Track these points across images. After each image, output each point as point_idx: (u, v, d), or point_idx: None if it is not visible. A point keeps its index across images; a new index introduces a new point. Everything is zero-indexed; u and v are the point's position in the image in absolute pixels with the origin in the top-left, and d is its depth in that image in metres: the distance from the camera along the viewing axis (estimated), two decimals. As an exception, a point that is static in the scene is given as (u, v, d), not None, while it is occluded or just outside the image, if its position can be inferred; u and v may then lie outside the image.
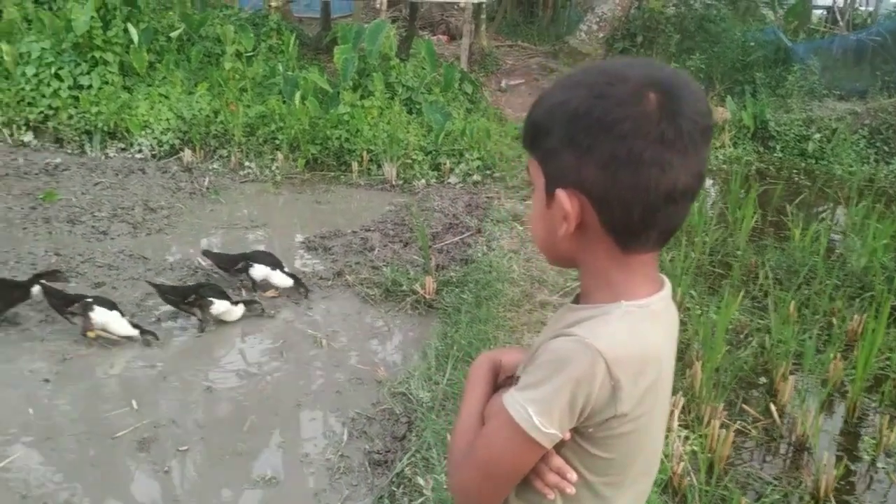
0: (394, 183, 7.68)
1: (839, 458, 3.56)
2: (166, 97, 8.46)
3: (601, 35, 12.14)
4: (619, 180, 1.08)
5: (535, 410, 1.10)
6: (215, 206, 6.89)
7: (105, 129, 8.18)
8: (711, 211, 6.85)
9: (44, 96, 8.29)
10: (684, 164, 1.08)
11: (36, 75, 8.28)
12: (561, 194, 1.13)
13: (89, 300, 4.36)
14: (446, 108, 8.53)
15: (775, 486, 3.42)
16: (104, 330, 4.32)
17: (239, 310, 4.66)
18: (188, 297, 4.63)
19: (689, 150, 1.08)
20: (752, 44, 11.95)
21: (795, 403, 4.06)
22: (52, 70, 8.29)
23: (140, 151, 8.06)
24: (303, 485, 3.31)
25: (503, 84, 11.21)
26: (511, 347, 1.40)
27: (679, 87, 1.09)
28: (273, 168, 7.83)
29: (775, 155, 9.99)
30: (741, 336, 4.85)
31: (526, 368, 1.18)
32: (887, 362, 4.53)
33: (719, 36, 12.04)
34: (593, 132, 1.08)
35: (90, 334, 4.31)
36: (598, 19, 12.17)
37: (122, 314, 4.37)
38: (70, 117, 8.23)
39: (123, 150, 8.13)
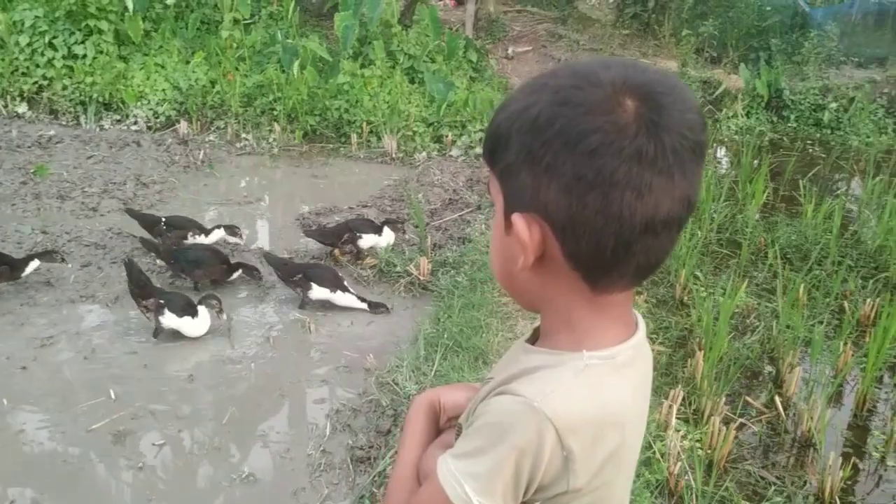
0: (394, 156, 7.47)
1: (846, 456, 3.39)
2: (162, 67, 8.25)
3: (612, 0, 11.78)
4: (585, 205, 0.88)
5: (474, 488, 0.92)
6: (209, 181, 6.72)
7: (100, 100, 7.98)
8: (720, 185, 6.60)
9: (38, 66, 8.09)
10: (667, 187, 0.88)
11: (29, 44, 8.06)
12: (518, 220, 0.94)
13: (161, 302, 4.11)
14: (449, 77, 8.27)
15: (778, 486, 3.25)
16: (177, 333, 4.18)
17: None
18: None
19: (675, 170, 0.87)
20: (769, 8, 11.55)
21: (802, 395, 3.88)
22: (46, 39, 8.07)
23: (136, 123, 7.87)
24: (281, 483, 3.17)
25: (510, 51, 10.90)
26: (454, 385, 1.22)
27: (663, 93, 0.89)
28: (270, 140, 7.63)
29: (789, 125, 9.69)
30: (747, 321, 4.65)
31: (466, 426, 1.00)
32: (900, 349, 4.33)
33: (734, 0, 11.64)
34: (555, 147, 0.89)
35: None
36: (609, -17, 11.82)
37: (195, 315, 4.15)
38: (65, 88, 8.04)
39: (119, 121, 7.95)
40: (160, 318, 4.08)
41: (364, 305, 4.49)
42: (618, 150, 0.86)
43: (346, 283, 4.55)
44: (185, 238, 5.01)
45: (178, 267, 4.74)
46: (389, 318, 4.51)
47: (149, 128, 7.85)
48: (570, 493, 0.93)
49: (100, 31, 8.19)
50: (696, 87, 9.71)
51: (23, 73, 8.10)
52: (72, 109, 8.00)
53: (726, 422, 3.47)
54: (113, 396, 3.66)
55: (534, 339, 1.06)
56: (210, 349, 4.14)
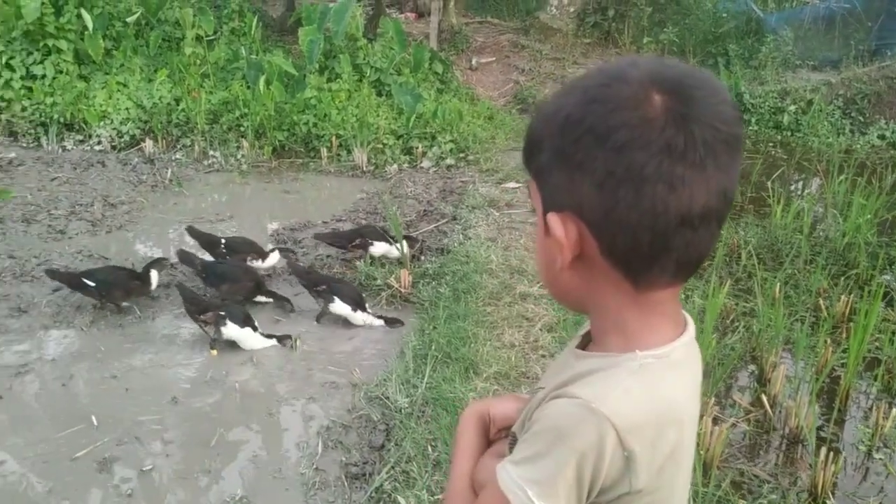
0: (365, 169, 7.44)
1: (835, 451, 3.43)
2: (125, 85, 8.12)
3: (572, 9, 11.92)
4: (618, 201, 0.88)
5: (537, 493, 0.91)
6: (179, 199, 6.61)
7: (61, 120, 7.83)
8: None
9: (-5, 87, 7.90)
10: (701, 179, 0.87)
11: (-14, 65, 7.89)
12: (553, 219, 0.94)
13: (222, 314, 4.12)
14: (417, 89, 8.28)
15: (772, 484, 3.28)
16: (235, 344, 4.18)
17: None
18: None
19: (708, 162, 0.87)
20: (724, 14, 11.78)
21: (787, 392, 3.93)
22: (3, 60, 7.90)
23: (99, 143, 7.73)
24: (276, 503, 3.11)
25: (474, 62, 10.95)
26: (503, 396, 1.21)
27: (693, 86, 0.89)
28: (239, 157, 7.55)
29: (751, 128, 9.86)
30: (727, 321, 4.71)
31: (523, 432, 0.99)
32: (876, 344, 4.41)
33: (691, 7, 11.86)
34: (585, 144, 0.89)
35: (213, 353, 4.15)
36: (568, -7, 11.95)
37: (255, 328, 4.18)
38: (24, 109, 7.87)
39: (81, 142, 7.79)
40: (222, 328, 4.08)
41: (381, 322, 4.46)
42: (646, 144, 0.86)
43: (366, 303, 4.53)
44: (244, 261, 4.92)
45: (209, 281, 4.70)
46: (373, 332, 4.47)
47: (113, 147, 7.72)
48: (632, 494, 0.92)
49: (59, 51, 8.04)
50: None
51: (-21, 95, 7.91)
52: (32, 131, 7.83)
53: (716, 422, 3.49)
54: (95, 423, 3.56)
55: (583, 345, 1.06)
56: (192, 370, 4.06)
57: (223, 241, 5.11)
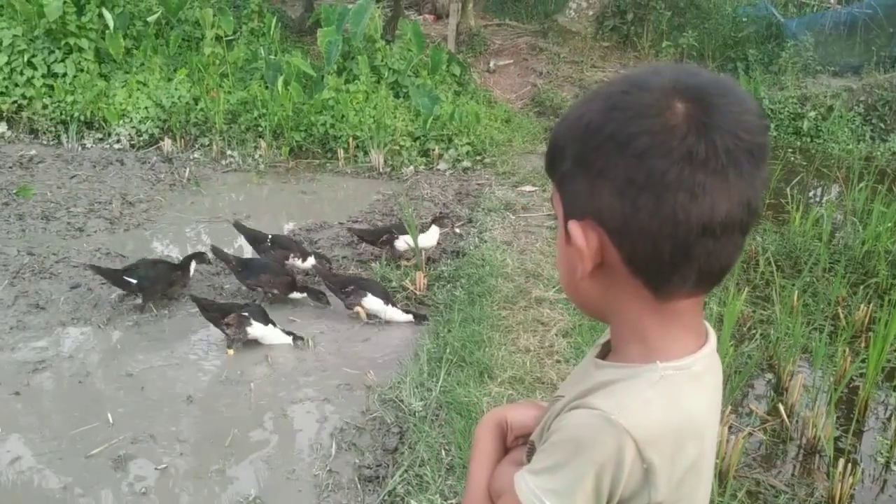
0: (381, 170, 7.44)
1: (853, 463, 3.39)
2: (144, 84, 8.16)
3: (591, 13, 11.85)
4: (639, 209, 0.88)
5: None
6: (196, 198, 6.65)
7: (81, 118, 7.88)
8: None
9: (17, 85, 7.95)
10: (723, 188, 0.87)
11: (8, 63, 7.94)
12: (574, 227, 0.94)
13: (245, 314, 4.16)
14: (434, 91, 8.27)
15: (789, 495, 3.25)
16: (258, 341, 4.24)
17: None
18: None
19: (730, 171, 0.86)
20: (744, 19, 11.70)
21: (804, 402, 3.89)
22: (25, 58, 7.95)
23: (118, 141, 7.78)
24: (289, 504, 3.12)
25: (492, 65, 10.93)
26: (520, 403, 1.20)
27: (716, 94, 0.88)
28: (256, 156, 7.57)
29: (770, 134, 9.78)
30: (745, 329, 4.67)
31: (542, 442, 0.98)
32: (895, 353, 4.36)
33: (710, 12, 11.78)
34: (606, 151, 0.89)
35: (230, 352, 4.19)
36: (587, -4, 11.89)
37: (275, 324, 4.23)
38: (45, 107, 7.92)
39: (101, 140, 7.85)
40: (248, 328, 4.12)
41: (409, 318, 4.49)
42: (667, 152, 0.86)
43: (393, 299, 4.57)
44: (287, 258, 4.99)
45: (246, 276, 4.74)
46: (388, 334, 4.47)
47: (132, 146, 7.76)
48: None
49: (80, 50, 8.09)
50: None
51: (1, 93, 7.97)
52: (52, 129, 7.88)
53: (733, 431, 3.46)
54: (111, 421, 3.58)
55: (603, 354, 1.05)
56: (207, 369, 4.07)
57: (270, 236, 5.16)
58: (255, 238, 5.20)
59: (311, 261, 5.01)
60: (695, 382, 0.96)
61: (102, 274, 4.65)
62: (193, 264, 4.78)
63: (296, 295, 4.73)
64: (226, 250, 5.05)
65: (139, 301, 4.61)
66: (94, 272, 4.69)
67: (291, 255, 5.00)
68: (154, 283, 4.57)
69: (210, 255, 5.02)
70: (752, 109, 0.90)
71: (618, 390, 0.94)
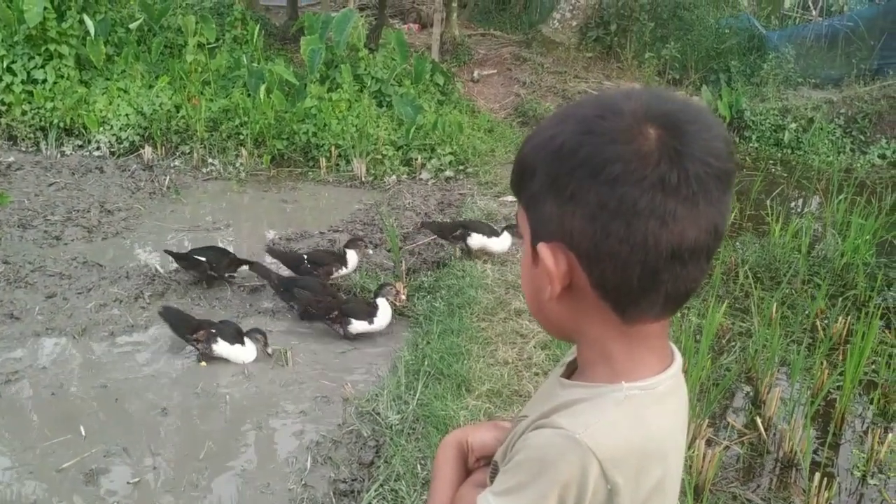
0: (363, 179, 7.42)
1: (829, 476, 3.40)
2: (125, 91, 8.11)
3: (574, 24, 11.90)
4: (609, 234, 0.88)
5: None
6: (176, 207, 6.60)
7: (61, 125, 7.81)
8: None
9: (-5, 91, 7.89)
10: (692, 215, 0.87)
11: (-13, 69, 7.88)
12: (543, 249, 0.93)
13: (213, 331, 4.14)
14: (417, 100, 8.27)
15: (764, 509, 3.25)
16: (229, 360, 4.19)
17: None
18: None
19: (699, 198, 0.87)
20: (727, 31, 11.78)
21: (782, 415, 3.90)
22: (4, 64, 7.88)
23: (98, 149, 7.71)
24: (263, 519, 3.08)
25: (475, 74, 10.95)
26: (481, 424, 1.19)
27: (687, 121, 0.89)
28: (237, 165, 7.53)
29: (751, 145, 9.85)
30: (723, 341, 4.68)
31: (505, 462, 0.97)
32: (873, 367, 4.38)
33: (693, 23, 11.85)
34: (579, 175, 0.89)
35: (202, 364, 4.16)
36: (571, 7, 11.93)
37: (243, 342, 4.17)
38: (24, 113, 7.84)
39: (80, 147, 7.78)
40: (213, 345, 4.09)
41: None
42: (640, 179, 0.86)
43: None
44: (332, 273, 4.97)
45: (288, 296, 4.71)
46: (366, 345, 4.45)
47: (112, 153, 7.70)
48: None
49: (60, 56, 8.03)
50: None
51: (-21, 99, 7.90)
52: (31, 135, 7.81)
53: (710, 444, 3.46)
54: (83, 433, 3.53)
55: (569, 373, 1.04)
56: (183, 381, 4.03)
57: (305, 257, 5.11)
58: (292, 260, 5.14)
59: (351, 261, 5.03)
60: (659, 403, 0.96)
61: (177, 259, 4.99)
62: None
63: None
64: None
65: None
66: (172, 257, 5.05)
67: (333, 267, 4.98)
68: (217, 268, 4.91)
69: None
70: (721, 135, 0.91)
71: (583, 410, 0.93)
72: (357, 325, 4.40)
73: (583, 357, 1.01)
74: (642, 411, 0.93)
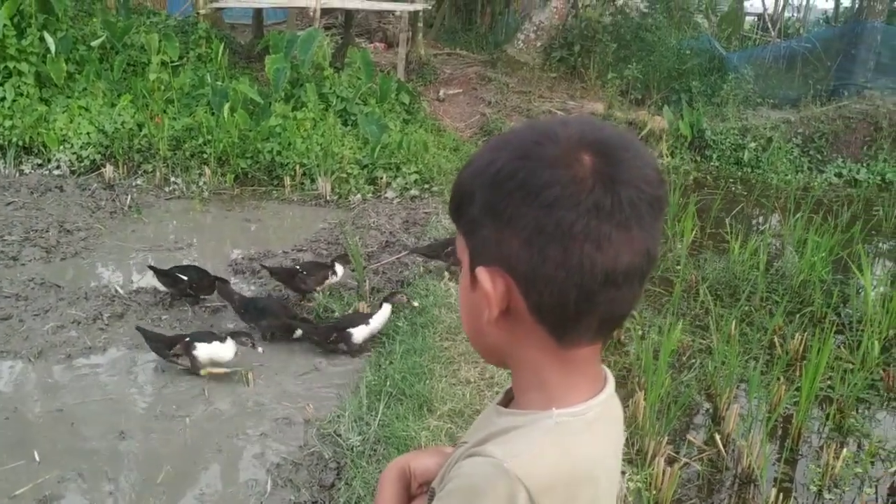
0: (328, 198, 7.42)
1: (786, 491, 3.45)
2: (87, 110, 8.02)
3: (539, 44, 12.05)
4: (546, 258, 0.88)
5: None
6: (137, 226, 6.52)
7: (20, 143, 7.70)
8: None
9: (-48, 109, 7.77)
10: (626, 239, 0.89)
11: (-56, 87, 7.75)
12: (482, 273, 0.94)
13: (187, 339, 4.14)
14: (382, 119, 8.29)
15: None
16: (214, 364, 4.17)
17: None
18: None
19: (633, 223, 0.89)
20: (688, 52, 12.02)
21: (741, 431, 3.95)
22: (-38, 81, 7.78)
23: (58, 167, 7.61)
24: (221, 544, 3.04)
25: (441, 93, 11.02)
26: (424, 450, 1.20)
27: (620, 148, 0.91)
28: (200, 184, 7.48)
29: (712, 164, 10.03)
30: (682, 358, 4.74)
31: (439, 489, 0.98)
32: (829, 383, 4.46)
33: (655, 45, 12.08)
34: (516, 199, 0.90)
35: (203, 372, 4.13)
36: (535, 28, 12.09)
37: (221, 340, 4.18)
38: (-19, 132, 7.72)
39: (40, 166, 7.67)
40: (194, 353, 4.08)
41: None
42: (575, 203, 0.87)
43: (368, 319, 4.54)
44: (327, 278, 5.06)
45: (249, 317, 4.69)
46: (329, 365, 4.42)
47: (72, 172, 7.60)
48: None
49: (20, 74, 7.94)
50: (623, 129, 9.99)
51: (-64, 117, 7.76)
52: (-11, 154, 7.68)
53: (670, 461, 3.50)
54: (37, 458, 3.46)
55: (506, 401, 1.05)
56: (142, 404, 3.97)
57: (298, 267, 5.14)
58: (287, 274, 5.12)
59: (339, 270, 5.09)
60: (590, 428, 0.97)
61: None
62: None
63: (298, 334, 4.60)
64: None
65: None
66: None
67: (329, 273, 5.06)
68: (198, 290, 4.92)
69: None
70: (652, 164, 0.93)
71: (512, 438, 0.94)
72: (358, 334, 4.41)
73: (517, 384, 1.02)
74: (572, 438, 0.94)
